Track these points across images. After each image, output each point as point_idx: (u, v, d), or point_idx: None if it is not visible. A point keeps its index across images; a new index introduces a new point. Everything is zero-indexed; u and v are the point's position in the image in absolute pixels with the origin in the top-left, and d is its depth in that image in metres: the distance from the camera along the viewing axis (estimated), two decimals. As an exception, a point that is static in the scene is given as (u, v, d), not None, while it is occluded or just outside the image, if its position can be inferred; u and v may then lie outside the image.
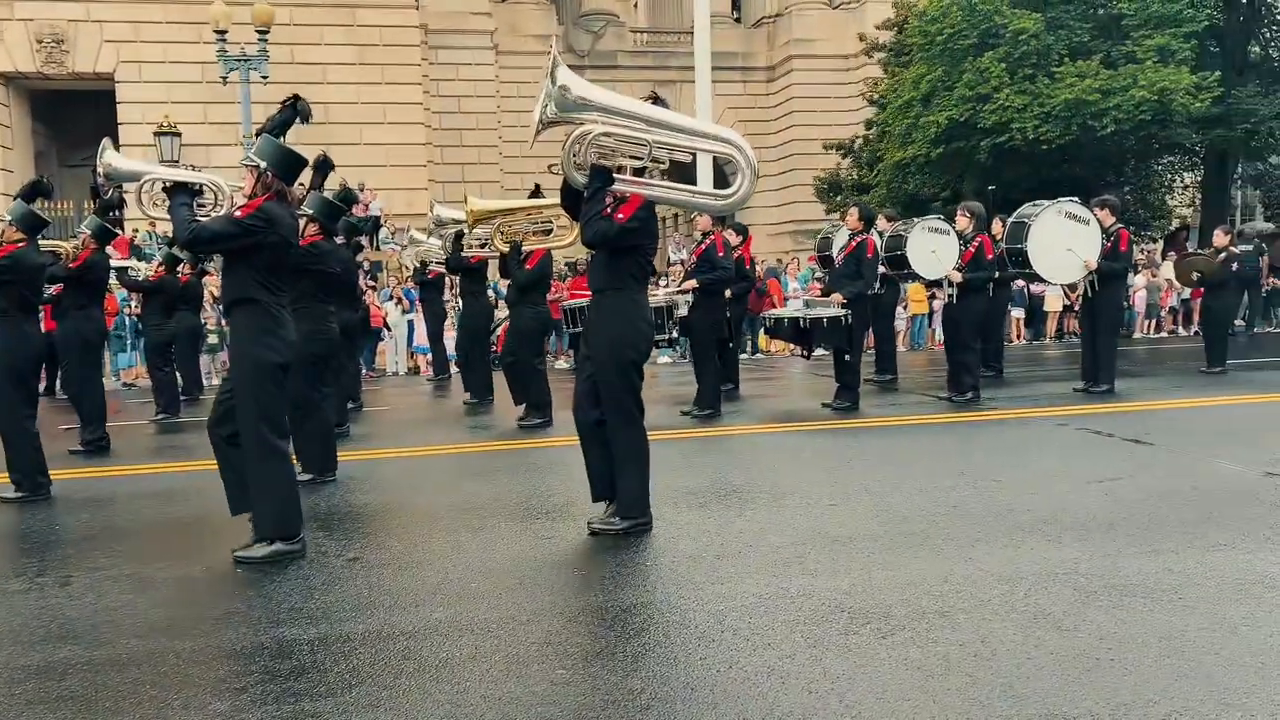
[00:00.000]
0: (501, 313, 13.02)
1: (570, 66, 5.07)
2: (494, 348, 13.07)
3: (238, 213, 4.88)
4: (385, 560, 4.88)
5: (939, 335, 17.17)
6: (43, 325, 8.06)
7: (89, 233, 8.47)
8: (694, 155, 5.67)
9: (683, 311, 9.79)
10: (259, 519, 4.85)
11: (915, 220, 11.75)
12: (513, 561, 4.73)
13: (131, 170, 5.58)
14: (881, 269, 11.07)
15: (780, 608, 3.92)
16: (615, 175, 5.04)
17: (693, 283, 9.58)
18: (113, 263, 10.40)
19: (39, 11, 20.01)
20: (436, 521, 5.74)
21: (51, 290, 8.56)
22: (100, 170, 5.70)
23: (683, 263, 11.54)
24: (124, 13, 20.28)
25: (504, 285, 12.18)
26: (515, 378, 9.52)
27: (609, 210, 5.02)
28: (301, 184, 7.81)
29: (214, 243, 4.92)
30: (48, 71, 20.42)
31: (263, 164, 4.87)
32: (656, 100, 6.64)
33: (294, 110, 5.16)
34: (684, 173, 5.88)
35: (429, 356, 15.18)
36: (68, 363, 8.64)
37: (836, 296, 9.55)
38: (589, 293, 5.49)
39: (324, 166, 7.38)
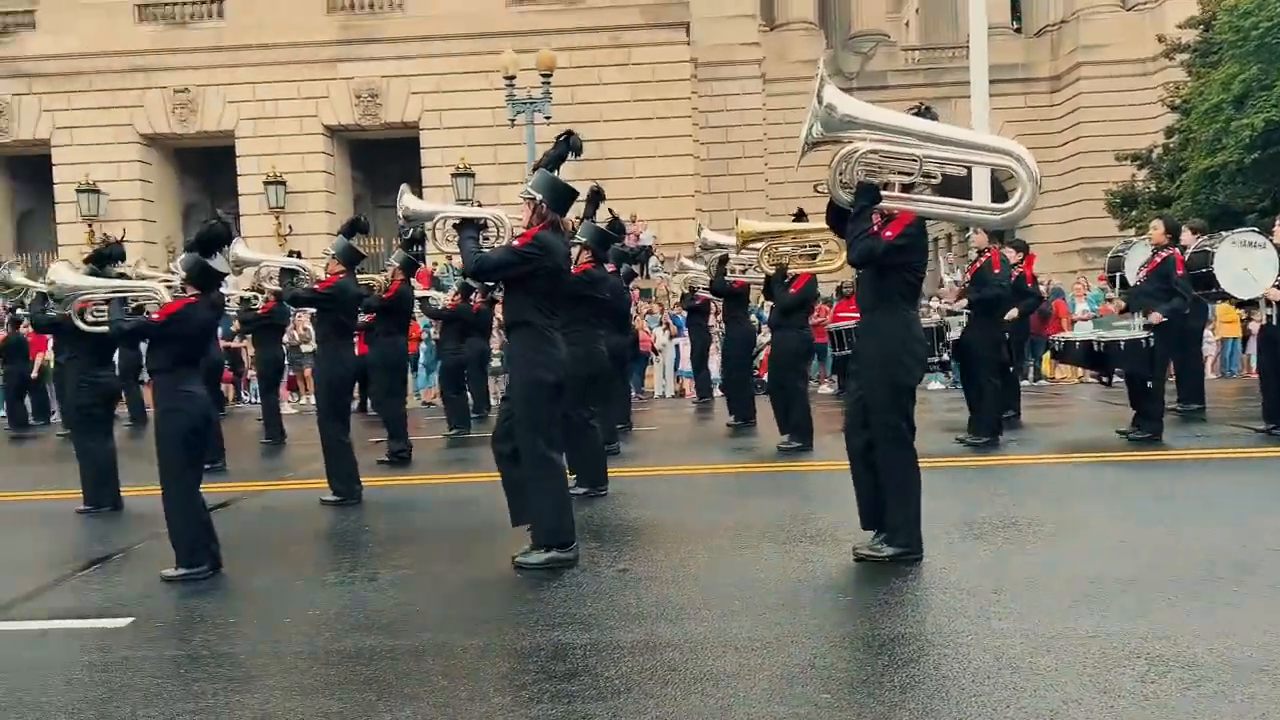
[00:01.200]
0: (764, 337, 13.06)
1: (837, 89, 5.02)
2: (757, 371, 13.12)
3: (516, 242, 5.23)
4: (653, 573, 5.01)
5: (1254, 362, 15.31)
6: (356, 350, 9.00)
7: (397, 265, 9.38)
8: (968, 169, 5.44)
9: (955, 334, 9.38)
10: (536, 528, 5.14)
11: (1223, 234, 10.57)
12: (775, 582, 4.71)
13: (426, 210, 6.11)
14: (1184, 287, 10.05)
15: (1067, 648, 3.64)
16: (883, 193, 4.94)
17: (964, 303, 9.16)
18: (417, 293, 11.45)
19: (358, 71, 22.56)
20: (700, 538, 5.83)
21: (365, 318, 9.55)
22: (400, 212, 6.27)
23: (956, 282, 11.05)
24: (428, 67, 22.43)
25: (767, 309, 12.21)
26: (778, 401, 9.51)
27: (876, 229, 4.92)
28: (577, 216, 8.28)
29: (496, 271, 5.28)
30: (364, 123, 22.96)
31: (538, 196, 5.20)
32: (926, 112, 6.44)
33: (566, 145, 5.47)
34: (958, 188, 5.63)
35: (694, 380, 15.49)
36: (376, 383, 9.60)
37: (1155, 315, 8.68)
38: (856, 315, 5.39)
39: (596, 197, 7.75)
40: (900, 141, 4.90)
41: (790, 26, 29.14)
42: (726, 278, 10.46)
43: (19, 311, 14.36)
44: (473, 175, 21.94)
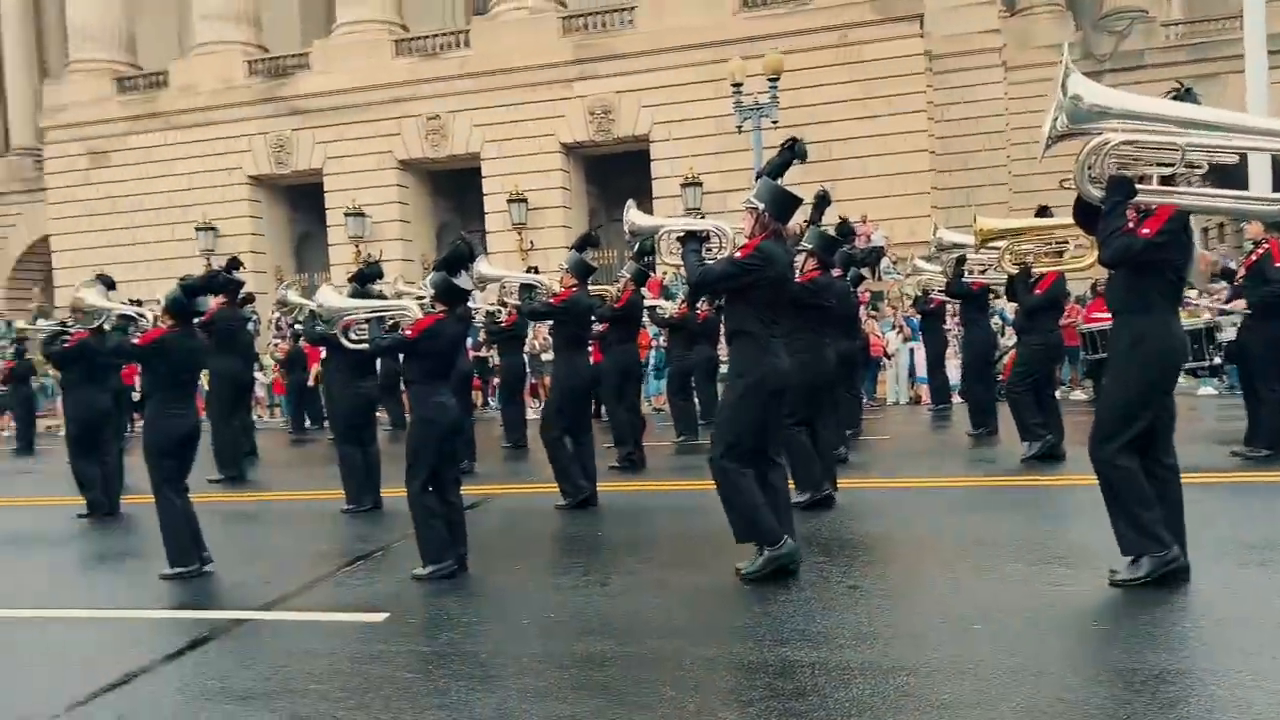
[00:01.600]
0: (1007, 340, 12.34)
1: (1087, 73, 4.66)
2: (999, 377, 12.43)
3: (738, 254, 5.20)
4: (884, 590, 4.85)
5: None
6: (591, 358, 9.30)
7: (629, 276, 9.62)
8: (1241, 156, 4.89)
9: (1229, 334, 8.47)
10: (746, 532, 5.08)
11: None
12: (1019, 606, 4.42)
13: (650, 225, 6.22)
14: None
15: (1368, 697, 3.19)
16: (1138, 186, 4.53)
17: (1240, 302, 8.26)
18: (646, 302, 11.70)
19: (592, 88, 23.42)
20: (936, 555, 5.57)
21: (599, 327, 9.86)
22: (626, 227, 6.43)
23: (1230, 281, 9.99)
24: (658, 80, 22.93)
25: (1011, 310, 11.54)
26: (1019, 409, 8.95)
27: (1131, 225, 4.52)
28: (803, 221, 8.15)
29: (719, 283, 5.27)
30: (597, 139, 23.78)
31: (760, 205, 5.15)
32: (1186, 95, 5.81)
33: (791, 152, 5.39)
34: (1230, 177, 5.08)
35: (929, 386, 14.89)
36: (608, 390, 9.88)
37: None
38: (1109, 315, 4.98)
39: (822, 202, 7.60)
40: (1159, 130, 4.48)
41: (1034, 10, 27.44)
42: (964, 279, 9.99)
43: (297, 327, 15.99)
44: (700, 185, 22.15)
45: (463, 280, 5.88)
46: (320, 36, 25.91)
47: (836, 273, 8.62)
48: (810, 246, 7.27)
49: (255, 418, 15.80)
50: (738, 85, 18.83)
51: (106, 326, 7.43)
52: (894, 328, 16.90)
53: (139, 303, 8.67)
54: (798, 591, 4.82)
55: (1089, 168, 4.59)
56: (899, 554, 5.71)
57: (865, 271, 12.16)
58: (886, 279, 19.41)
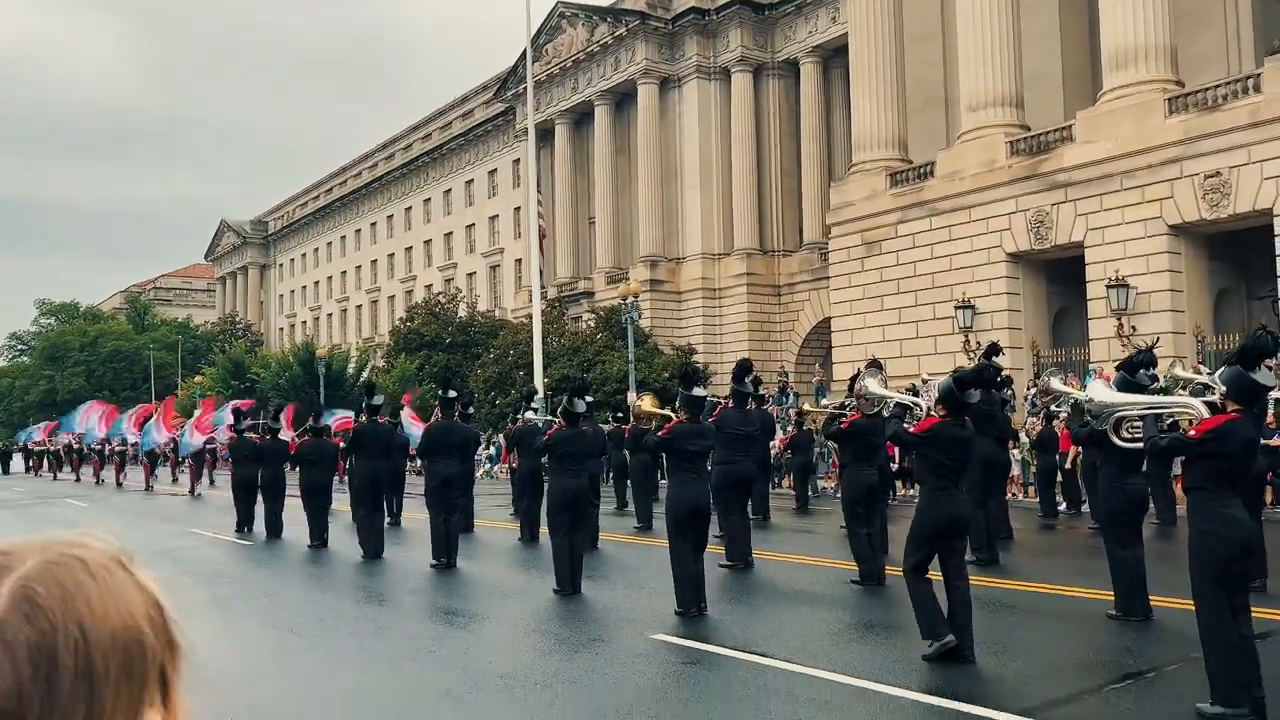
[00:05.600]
0: None
1: None
2: None
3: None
4: None
5: None
6: None
7: None
8: None
9: None
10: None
11: None
12: None
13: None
14: None
15: None
16: None
17: None
18: None
19: (1203, 165, 19.40)
20: None
21: None
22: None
23: None
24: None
25: None
26: None
27: None
28: None
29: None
30: (1208, 216, 19.46)
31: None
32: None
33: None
34: None
35: None
36: None
37: None
38: None
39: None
40: None
41: None
42: None
43: (1053, 408, 15.52)
44: None
45: (1262, 375, 5.06)
46: (1085, 107, 25.28)
47: None
48: None
49: (1010, 496, 15.71)
50: None
51: (885, 413, 8.05)
52: None
53: (915, 391, 9.25)
54: None
55: None
56: None
57: None
58: None
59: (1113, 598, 7.29)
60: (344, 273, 68.79)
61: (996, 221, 25.98)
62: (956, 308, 25.93)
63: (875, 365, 8.52)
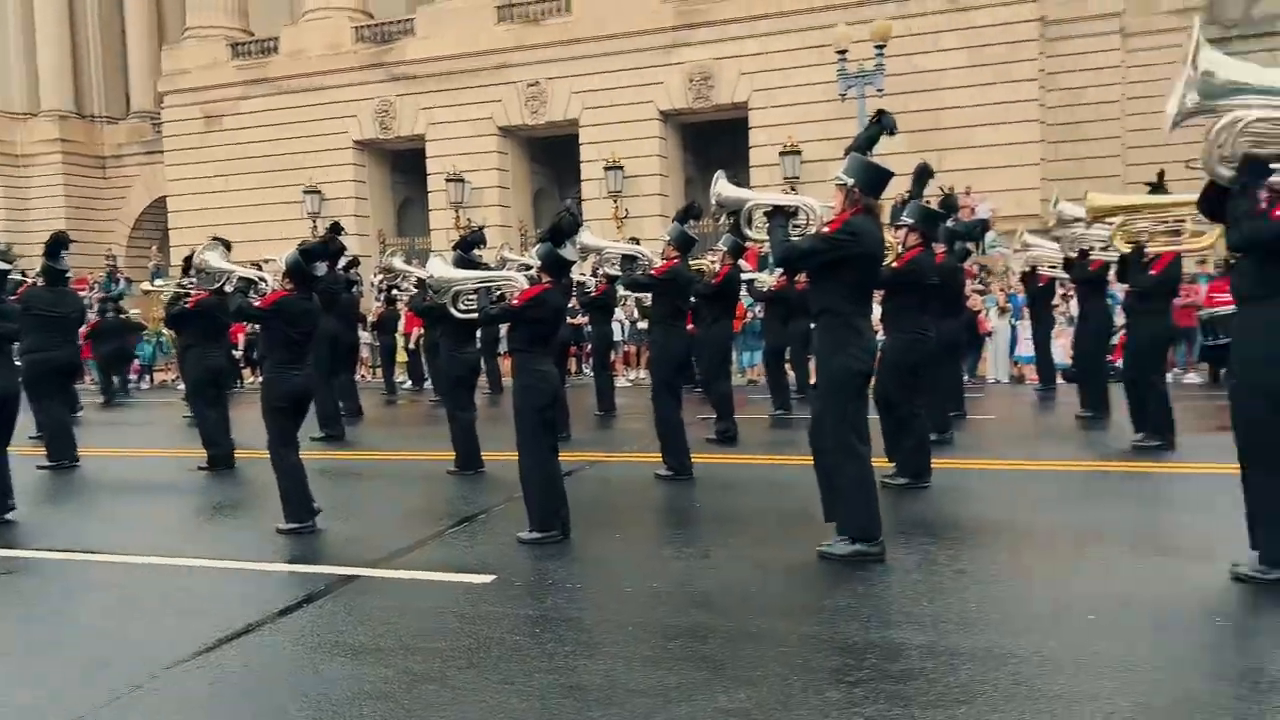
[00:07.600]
0: (1121, 320, 11.87)
1: (1212, 40, 4.43)
2: (1111, 359, 12.00)
3: (826, 229, 5.11)
4: (994, 577, 4.76)
5: None
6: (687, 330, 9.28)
7: (725, 250, 9.56)
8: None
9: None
10: (842, 518, 5.05)
11: None
12: (1136, 598, 4.29)
13: (738, 196, 6.13)
14: None
15: None
16: (1275, 166, 4.31)
17: None
18: (743, 275, 11.61)
19: (691, 55, 23.25)
20: (1046, 541, 5.45)
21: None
22: (713, 198, 6.36)
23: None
24: (760, 46, 22.63)
25: (1122, 292, 11.10)
26: (1133, 394, 8.64)
27: (1264, 207, 4.30)
28: (904, 193, 7.95)
29: (805, 259, 5.15)
30: (695, 106, 23.62)
31: (849, 181, 5.04)
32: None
33: (880, 125, 5.25)
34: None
35: (1036, 365, 14.45)
36: (704, 364, 9.86)
37: None
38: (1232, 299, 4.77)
39: (924, 175, 7.39)
40: (1303, 106, 4.23)
41: (1157, -28, 26.10)
42: (1085, 260, 9.58)
43: (394, 291, 16.34)
44: (800, 153, 21.82)
45: (567, 251, 5.93)
46: (425, 2, 26.20)
47: (941, 249, 8.42)
48: (911, 221, 7.09)
49: (359, 378, 16.26)
50: (842, 52, 18.44)
51: (228, 288, 7.70)
52: (998, 306, 16.45)
53: (259, 265, 8.96)
54: (903, 574, 4.77)
55: (1219, 146, 4.38)
56: (1008, 540, 5.59)
57: (970, 246, 11.83)
58: (991, 253, 18.86)
59: (453, 458, 8.09)
60: None
61: (343, 107, 25.95)
62: (304, 192, 25.56)
63: (219, 242, 8.07)
